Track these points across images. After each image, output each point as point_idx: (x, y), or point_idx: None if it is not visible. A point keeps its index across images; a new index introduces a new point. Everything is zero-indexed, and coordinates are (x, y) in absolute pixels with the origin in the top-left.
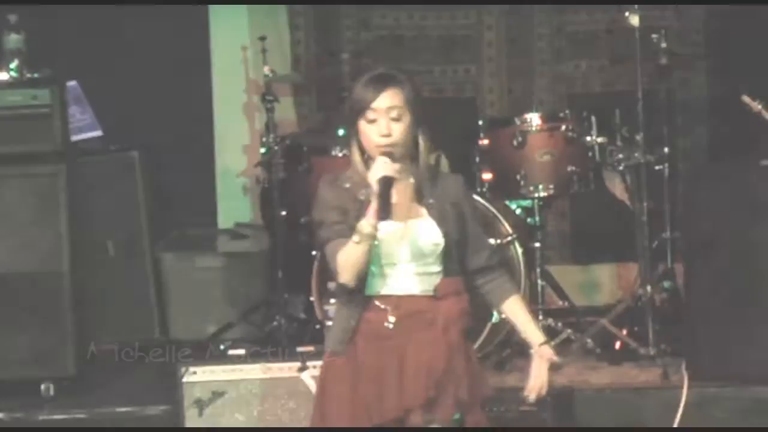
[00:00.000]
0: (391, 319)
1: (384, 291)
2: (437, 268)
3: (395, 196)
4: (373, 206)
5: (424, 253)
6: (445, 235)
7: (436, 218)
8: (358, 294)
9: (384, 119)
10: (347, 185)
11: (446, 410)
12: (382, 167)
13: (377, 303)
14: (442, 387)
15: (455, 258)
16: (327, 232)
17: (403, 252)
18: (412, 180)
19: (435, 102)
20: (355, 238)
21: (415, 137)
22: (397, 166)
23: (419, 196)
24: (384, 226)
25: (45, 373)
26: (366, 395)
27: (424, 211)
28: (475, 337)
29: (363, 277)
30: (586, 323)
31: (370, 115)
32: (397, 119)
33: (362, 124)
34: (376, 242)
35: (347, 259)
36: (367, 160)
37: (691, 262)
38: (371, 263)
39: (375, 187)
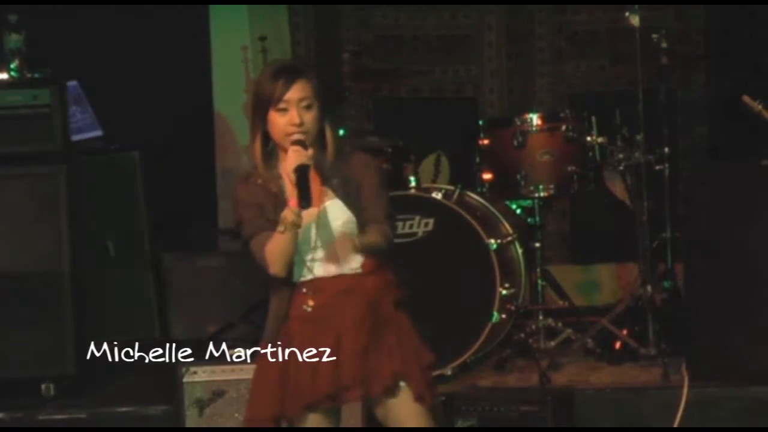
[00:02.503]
0: (310, 303)
1: (308, 276)
2: None
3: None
4: (294, 195)
5: (341, 233)
6: (357, 213)
7: (342, 198)
8: (286, 283)
9: (295, 109)
10: (259, 181)
11: (382, 382)
12: (296, 157)
13: (301, 289)
14: (376, 361)
15: None
16: (249, 229)
17: (320, 235)
18: (317, 165)
19: (435, 102)
20: (280, 228)
21: (322, 125)
22: (310, 152)
23: (324, 179)
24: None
25: (45, 373)
26: (298, 377)
27: (331, 193)
28: (475, 337)
29: (291, 266)
30: (586, 323)
31: (282, 105)
32: (307, 109)
33: (273, 115)
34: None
35: (275, 249)
36: (271, 152)
37: (691, 262)
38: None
39: (292, 176)
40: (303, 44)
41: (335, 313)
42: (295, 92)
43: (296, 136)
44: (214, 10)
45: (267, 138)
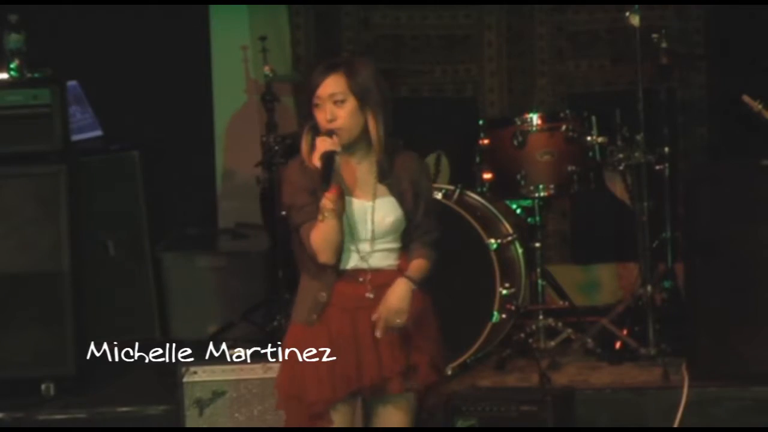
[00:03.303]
0: (370, 294)
1: (358, 265)
2: (398, 244)
3: (357, 173)
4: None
5: (389, 230)
6: (408, 213)
7: (396, 197)
8: (330, 267)
9: (328, 104)
10: (314, 167)
11: (425, 376)
12: (322, 145)
13: (353, 276)
14: (417, 355)
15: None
16: (299, 216)
17: (371, 229)
18: (373, 160)
19: (435, 102)
20: (320, 216)
21: (363, 120)
22: (335, 139)
23: (381, 176)
24: (354, 204)
25: (45, 373)
26: (344, 363)
27: (386, 189)
28: (475, 337)
29: (340, 253)
30: (587, 323)
31: (316, 101)
32: (339, 104)
33: (314, 110)
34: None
35: (321, 238)
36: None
37: (691, 262)
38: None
39: (317, 163)
40: (303, 44)
41: (374, 305)
42: (326, 88)
43: (329, 129)
44: (214, 10)
45: (316, 131)
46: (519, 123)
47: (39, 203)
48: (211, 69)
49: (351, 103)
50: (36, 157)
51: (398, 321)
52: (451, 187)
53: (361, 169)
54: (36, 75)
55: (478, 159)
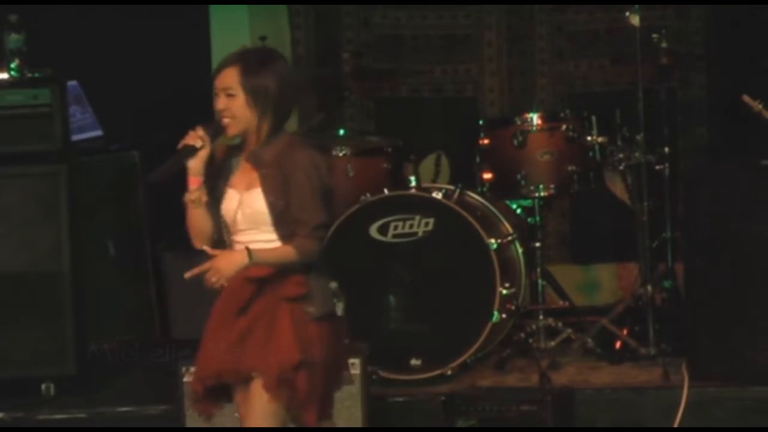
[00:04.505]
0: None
1: None
2: (274, 236)
3: (242, 165)
4: (192, 174)
5: (256, 221)
6: (271, 204)
7: (266, 188)
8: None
9: (222, 96)
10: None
11: (240, 372)
12: (190, 136)
13: None
14: (245, 350)
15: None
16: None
17: (239, 221)
18: (254, 154)
19: (435, 102)
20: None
21: (250, 113)
22: (200, 133)
23: (256, 167)
24: (228, 195)
25: (45, 373)
26: (212, 349)
27: (259, 181)
28: (475, 337)
29: (211, 242)
30: (587, 323)
31: (214, 90)
32: (230, 97)
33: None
34: (223, 210)
35: (188, 225)
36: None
37: (691, 262)
38: (224, 231)
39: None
40: (303, 44)
41: (229, 297)
42: (220, 80)
43: (224, 121)
44: (214, 10)
45: None
46: (519, 123)
47: (39, 203)
48: (211, 69)
49: (241, 98)
50: (36, 157)
51: (213, 278)
52: (451, 187)
53: (245, 162)
54: (36, 75)
55: (478, 159)
